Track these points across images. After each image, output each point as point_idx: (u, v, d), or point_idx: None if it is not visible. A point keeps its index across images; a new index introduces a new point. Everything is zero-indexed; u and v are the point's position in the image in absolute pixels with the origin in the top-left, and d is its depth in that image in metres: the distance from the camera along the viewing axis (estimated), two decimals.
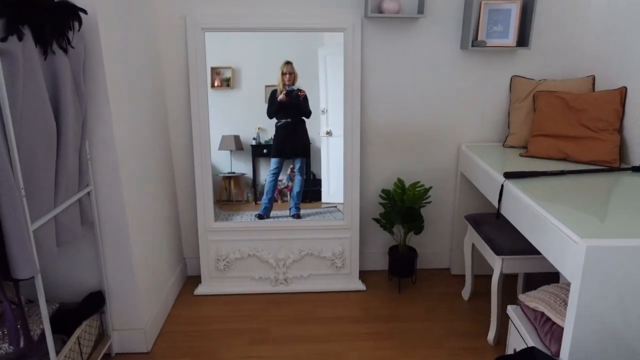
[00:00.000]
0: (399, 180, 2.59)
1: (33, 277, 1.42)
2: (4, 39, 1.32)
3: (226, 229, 2.62)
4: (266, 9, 2.45)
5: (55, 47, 1.55)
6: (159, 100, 2.46)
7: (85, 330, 1.88)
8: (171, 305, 2.53)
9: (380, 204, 2.65)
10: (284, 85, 2.54)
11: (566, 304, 1.66)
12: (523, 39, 2.48)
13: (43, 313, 1.52)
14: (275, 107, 2.57)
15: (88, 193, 1.85)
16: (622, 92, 2.23)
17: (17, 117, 1.38)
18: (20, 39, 1.37)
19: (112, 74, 1.85)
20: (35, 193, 1.48)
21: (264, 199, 2.68)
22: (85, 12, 1.68)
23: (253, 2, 2.44)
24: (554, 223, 1.55)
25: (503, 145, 2.61)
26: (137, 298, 2.07)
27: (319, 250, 2.66)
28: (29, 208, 1.42)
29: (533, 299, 1.76)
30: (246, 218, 2.67)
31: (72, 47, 1.63)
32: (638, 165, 2.11)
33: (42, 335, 1.64)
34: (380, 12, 2.43)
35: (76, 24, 1.65)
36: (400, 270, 2.65)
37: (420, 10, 2.43)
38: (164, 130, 2.53)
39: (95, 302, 1.96)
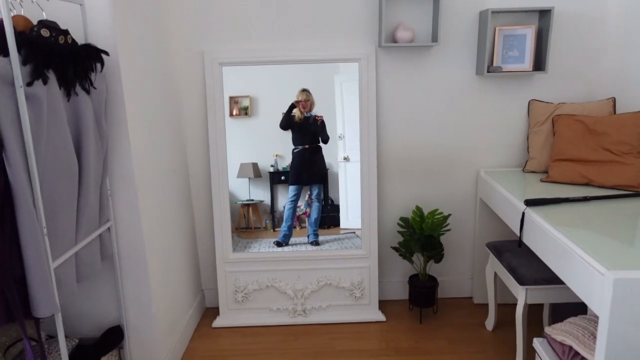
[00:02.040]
0: (418, 207, 2.56)
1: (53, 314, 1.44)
2: (30, 84, 1.37)
3: (244, 260, 2.62)
4: (281, 42, 2.50)
5: (78, 88, 1.61)
6: (177, 132, 2.51)
7: None
8: (189, 339, 2.52)
9: (399, 232, 2.62)
10: (300, 112, 2.57)
11: (594, 337, 1.59)
12: (539, 63, 2.47)
13: (62, 351, 1.53)
14: (291, 128, 2.57)
15: (108, 228, 1.88)
16: None
17: (41, 158, 1.42)
18: (45, 82, 1.42)
19: (132, 111, 1.90)
20: (57, 231, 1.51)
21: (283, 226, 2.68)
22: (107, 53, 1.74)
23: (268, 36, 2.50)
24: (579, 253, 1.50)
25: (523, 170, 2.57)
26: (156, 332, 2.06)
27: (337, 280, 2.63)
28: (50, 246, 1.45)
29: (560, 332, 1.69)
30: (264, 245, 2.66)
31: (95, 88, 1.69)
32: None
33: None
34: (394, 41, 2.45)
35: (98, 66, 1.71)
36: (420, 300, 2.59)
37: (434, 38, 2.44)
38: (182, 162, 2.58)
39: (114, 337, 1.97)
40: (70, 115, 1.59)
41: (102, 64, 1.72)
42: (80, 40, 1.69)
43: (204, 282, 2.84)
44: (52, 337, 1.90)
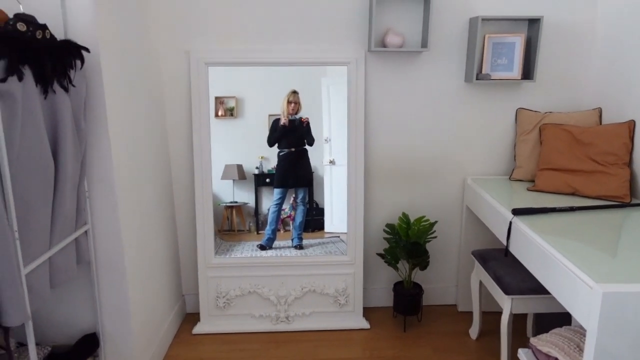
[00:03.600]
0: (404, 214, 2.54)
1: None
2: (4, 80, 1.30)
3: (226, 265, 2.56)
4: (269, 43, 2.46)
5: (56, 86, 1.54)
6: (160, 133, 2.45)
7: None
8: (168, 345, 2.45)
9: (385, 238, 2.59)
10: (288, 114, 2.53)
11: (581, 349, 1.58)
12: (528, 72, 2.47)
13: None
14: (277, 135, 2.55)
15: (85, 232, 1.81)
16: (631, 126, 2.19)
17: (14, 158, 1.35)
18: (20, 79, 1.36)
19: (113, 111, 1.84)
20: (30, 234, 1.43)
21: (267, 229, 2.63)
22: (87, 50, 1.67)
23: (256, 37, 2.45)
24: (566, 265, 1.49)
25: (509, 178, 2.57)
26: (133, 340, 1.99)
27: (321, 287, 2.59)
28: (22, 250, 1.38)
29: (546, 343, 1.68)
30: (248, 248, 2.61)
31: (74, 86, 1.62)
32: None
33: None
34: (384, 46, 2.43)
35: (78, 63, 1.64)
36: (405, 307, 2.57)
37: (424, 44, 2.42)
38: (165, 163, 2.51)
39: (89, 344, 1.89)
40: (47, 113, 1.52)
41: (82, 61, 1.65)
42: (59, 36, 1.62)
43: (184, 287, 2.77)
44: (23, 344, 1.81)
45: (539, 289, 1.99)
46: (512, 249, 1.93)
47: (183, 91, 2.51)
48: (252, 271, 2.56)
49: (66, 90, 1.58)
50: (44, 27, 1.50)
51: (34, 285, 1.45)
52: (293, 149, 2.58)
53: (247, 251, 2.61)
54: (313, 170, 2.62)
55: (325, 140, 2.59)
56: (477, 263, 2.38)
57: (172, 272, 2.60)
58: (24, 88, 1.38)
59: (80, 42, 1.65)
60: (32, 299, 1.44)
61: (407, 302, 2.56)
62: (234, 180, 2.60)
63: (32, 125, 1.42)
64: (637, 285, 1.32)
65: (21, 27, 1.41)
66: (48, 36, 1.52)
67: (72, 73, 1.60)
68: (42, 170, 1.47)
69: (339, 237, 2.65)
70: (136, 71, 2.11)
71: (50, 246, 1.55)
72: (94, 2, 1.69)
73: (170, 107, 2.53)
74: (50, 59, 1.49)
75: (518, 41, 2.45)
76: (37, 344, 1.79)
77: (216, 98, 2.51)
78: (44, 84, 1.48)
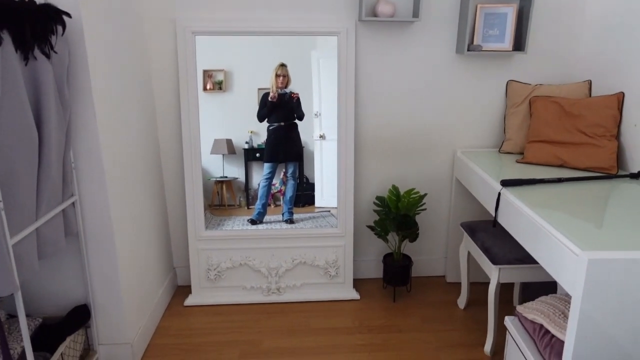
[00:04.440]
0: (394, 187, 2.55)
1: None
2: None
3: (217, 238, 2.56)
4: (258, 12, 2.40)
5: (37, 52, 1.49)
6: (148, 104, 2.40)
7: (69, 347, 1.81)
8: (160, 317, 2.46)
9: (375, 211, 2.60)
10: (277, 87, 2.49)
11: (565, 316, 1.62)
12: (519, 43, 2.45)
13: (23, 331, 1.45)
14: (267, 109, 2.52)
15: (73, 203, 1.78)
16: (620, 98, 2.20)
17: None
18: None
19: (98, 79, 1.79)
20: (16, 205, 1.41)
21: (257, 204, 2.63)
22: (69, 15, 1.62)
23: (245, 6, 2.39)
24: (554, 234, 1.51)
25: (499, 151, 2.58)
26: (124, 311, 2.00)
27: (312, 259, 2.61)
28: (8, 221, 1.36)
29: (531, 311, 1.72)
30: (238, 223, 2.61)
31: (55, 53, 1.57)
32: (636, 172, 2.08)
33: (23, 353, 1.57)
34: (375, 15, 2.38)
35: (59, 28, 1.58)
36: (394, 278, 2.60)
37: (415, 14, 2.38)
38: (153, 135, 2.47)
39: (80, 316, 1.90)
40: (28, 81, 1.47)
41: (64, 27, 1.60)
42: (39, 0, 1.56)
43: (175, 259, 2.77)
44: (13, 316, 1.81)
45: (526, 259, 2.02)
46: (501, 220, 1.95)
47: (170, 62, 2.45)
48: (243, 244, 2.57)
49: (48, 56, 1.53)
50: None
51: (21, 256, 1.44)
52: (283, 123, 2.55)
53: (237, 225, 2.61)
54: (303, 144, 2.60)
55: (315, 114, 2.56)
56: (465, 234, 2.41)
57: (163, 245, 2.59)
58: (2, 53, 1.33)
59: (61, 7, 1.59)
60: (20, 270, 1.43)
61: (397, 273, 2.59)
62: (223, 155, 2.58)
63: (13, 92, 1.38)
64: (622, 253, 1.35)
65: None
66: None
67: (53, 39, 1.55)
68: (26, 139, 1.44)
69: (329, 211, 2.66)
70: (121, 39, 2.05)
71: (36, 217, 1.53)
72: None
73: (157, 78, 2.47)
74: (31, 24, 1.43)
75: (510, 12, 2.42)
76: (27, 316, 1.78)
77: (204, 71, 2.46)
78: (25, 49, 1.43)
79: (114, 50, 1.97)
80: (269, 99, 2.49)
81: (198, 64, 2.42)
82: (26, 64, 1.45)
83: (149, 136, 2.41)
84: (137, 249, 2.19)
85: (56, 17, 1.56)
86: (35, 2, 1.50)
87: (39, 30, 1.48)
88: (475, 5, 2.41)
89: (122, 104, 2.05)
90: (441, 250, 2.88)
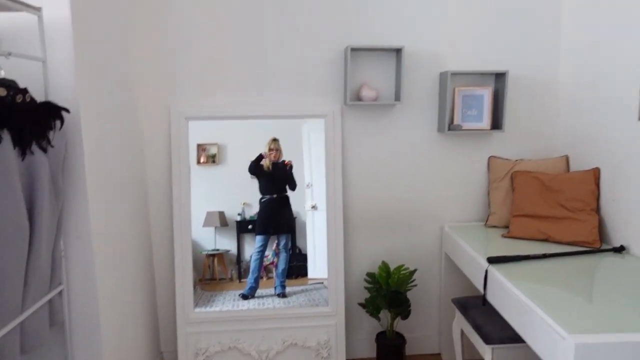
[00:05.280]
0: (384, 263, 2.55)
1: None
2: None
3: (206, 320, 2.51)
4: (249, 98, 2.53)
5: (34, 147, 1.55)
6: (140, 185, 2.45)
7: None
8: None
9: (366, 288, 2.59)
10: (270, 160, 2.56)
11: None
12: (497, 122, 2.58)
13: None
14: (260, 180, 2.56)
15: (60, 292, 1.77)
16: (596, 173, 2.29)
17: None
18: None
19: (92, 167, 1.85)
20: (1, 299, 1.40)
21: (250, 278, 2.60)
22: (67, 111, 1.70)
23: (236, 92, 2.52)
24: (540, 315, 1.51)
25: (485, 224, 2.62)
26: None
27: (303, 340, 2.55)
28: None
29: None
30: (229, 298, 2.56)
31: (52, 146, 1.63)
32: (618, 246, 2.12)
33: None
34: (359, 99, 2.52)
35: (58, 123, 1.66)
36: (388, 358, 2.53)
37: (397, 97, 2.53)
38: (144, 216, 2.50)
39: None
40: (24, 173, 1.52)
41: (62, 122, 1.67)
42: (41, 97, 1.65)
43: (163, 343, 2.68)
44: None
45: (519, 338, 1.99)
46: (490, 297, 1.95)
47: (163, 143, 2.53)
48: (232, 325, 2.51)
49: (44, 151, 1.59)
50: (24, 91, 1.53)
51: (2, 352, 1.41)
52: (275, 195, 2.60)
53: (228, 301, 2.56)
54: (295, 215, 2.63)
55: (307, 185, 2.62)
56: (457, 311, 2.39)
57: (150, 329, 2.53)
58: (1, 151, 1.39)
59: (61, 102, 1.67)
60: None
61: (390, 352, 2.53)
62: (215, 227, 2.59)
63: (7, 188, 1.42)
64: (609, 336, 1.35)
65: (1, 92, 1.44)
66: (28, 99, 1.54)
67: (51, 134, 1.62)
68: (17, 231, 1.46)
69: (322, 283, 2.64)
70: (116, 127, 2.15)
71: (22, 309, 1.51)
72: (74, 63, 1.73)
73: (151, 159, 2.54)
74: (30, 123, 1.51)
75: (486, 94, 2.58)
76: None
77: (198, 145, 2.54)
78: (22, 146, 1.49)
79: (110, 138, 2.05)
80: (264, 168, 2.55)
81: (192, 138, 2.50)
82: (23, 159, 1.51)
83: (140, 216, 2.43)
84: (124, 336, 2.14)
85: (55, 114, 1.64)
86: (35, 101, 1.59)
87: (37, 128, 1.55)
88: (453, 88, 2.56)
89: (115, 187, 2.10)
90: (434, 326, 2.82)
